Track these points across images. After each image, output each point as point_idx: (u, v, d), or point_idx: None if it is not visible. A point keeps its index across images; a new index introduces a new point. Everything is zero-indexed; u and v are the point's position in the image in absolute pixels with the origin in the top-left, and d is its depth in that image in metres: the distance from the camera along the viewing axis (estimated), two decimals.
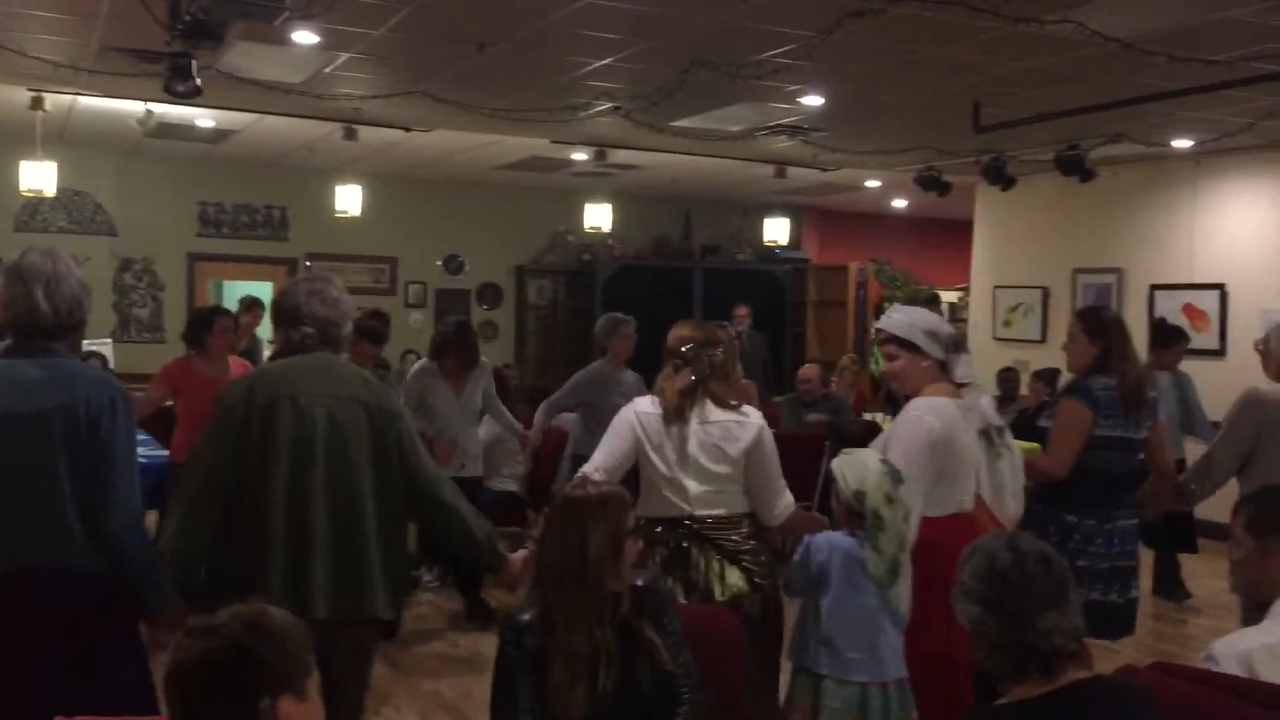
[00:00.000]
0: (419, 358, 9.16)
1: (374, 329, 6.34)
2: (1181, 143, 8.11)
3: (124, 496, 2.79)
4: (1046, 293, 10.00)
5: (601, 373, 6.28)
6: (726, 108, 7.26)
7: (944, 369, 3.59)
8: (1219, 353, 8.55)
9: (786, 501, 3.48)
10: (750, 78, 6.18)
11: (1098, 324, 4.22)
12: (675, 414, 3.36)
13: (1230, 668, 2.51)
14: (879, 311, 12.79)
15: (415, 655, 5.52)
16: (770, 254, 12.41)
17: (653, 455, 3.36)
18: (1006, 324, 10.37)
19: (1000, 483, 3.82)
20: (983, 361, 10.51)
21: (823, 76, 6.42)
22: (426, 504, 3.11)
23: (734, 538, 3.36)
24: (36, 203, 9.78)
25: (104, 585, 2.79)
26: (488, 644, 5.03)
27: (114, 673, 2.79)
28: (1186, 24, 5.15)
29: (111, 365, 8.05)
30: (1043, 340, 9.95)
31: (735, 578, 3.33)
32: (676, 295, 11.74)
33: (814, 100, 7.03)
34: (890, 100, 7.02)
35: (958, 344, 3.63)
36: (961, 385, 3.64)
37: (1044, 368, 8.47)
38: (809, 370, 8.31)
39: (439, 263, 11.68)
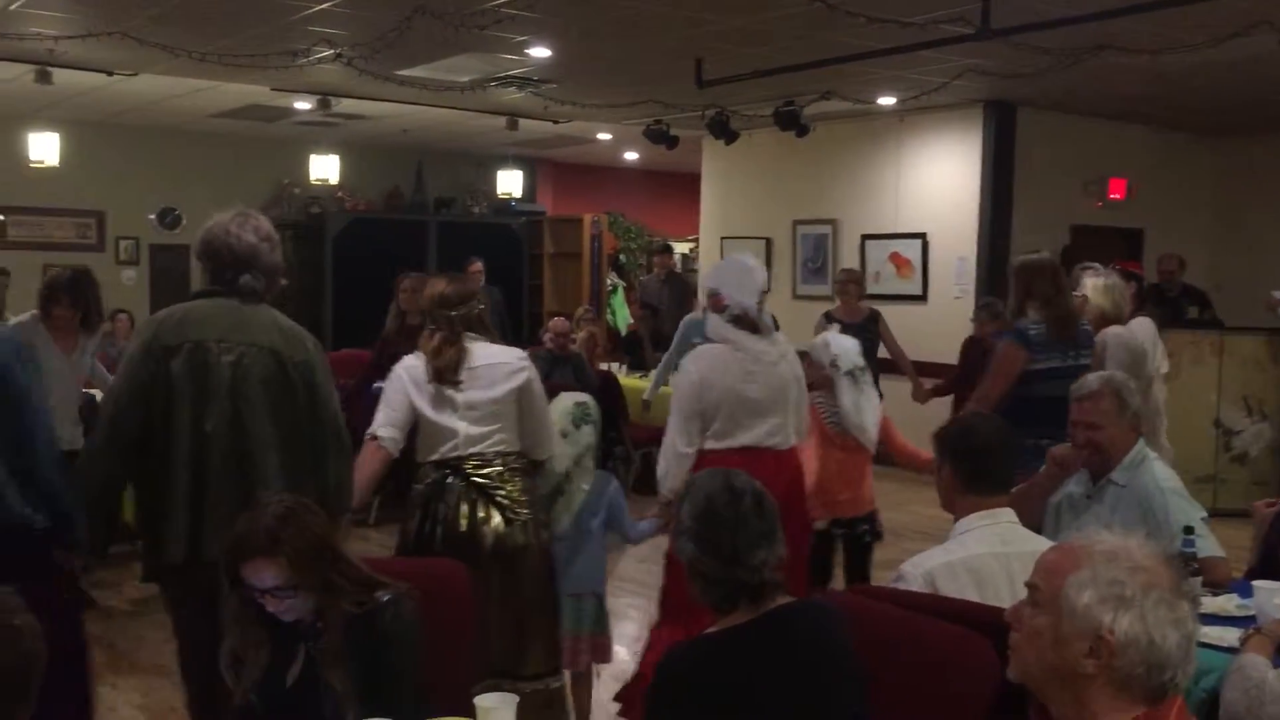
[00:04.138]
0: (131, 319, 8.61)
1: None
2: (885, 100, 8.63)
3: (45, 442, 2.88)
4: (770, 243, 10.44)
5: None
6: (453, 57, 7.16)
7: (740, 319, 4.05)
8: (921, 298, 9.21)
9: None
10: (475, 27, 6.11)
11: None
12: (438, 373, 3.47)
13: (916, 585, 2.75)
14: (614, 262, 13.03)
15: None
16: (505, 207, 12.38)
17: (421, 404, 3.46)
18: None
19: (862, 412, 4.53)
20: None
21: (548, 28, 6.43)
22: (320, 446, 3.09)
23: (489, 474, 3.47)
24: None
25: (38, 539, 2.85)
26: None
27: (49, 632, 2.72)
28: None
29: None
30: (767, 289, 10.38)
31: (493, 515, 3.44)
32: (410, 249, 11.53)
33: (541, 52, 7.03)
34: (616, 54, 7.11)
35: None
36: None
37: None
38: (561, 323, 8.34)
39: (153, 217, 10.98)
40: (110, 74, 7.87)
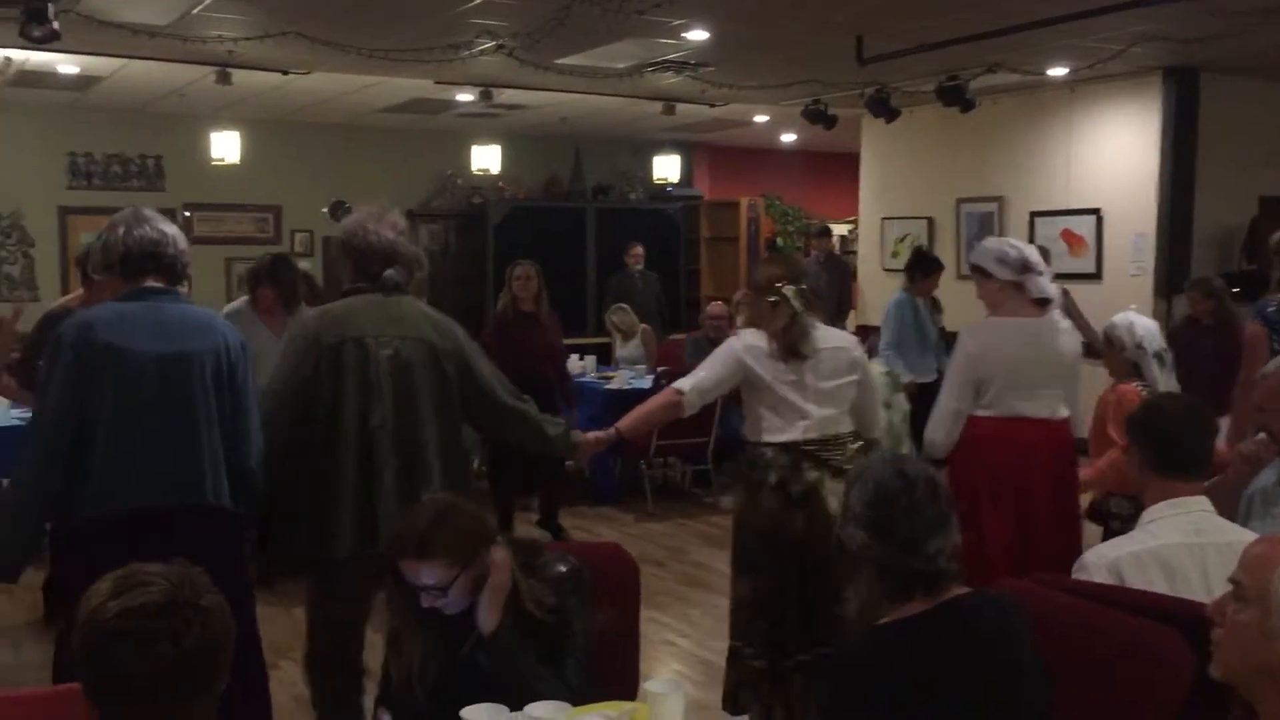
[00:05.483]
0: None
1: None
2: (1056, 71, 8.29)
3: (258, 436, 2.97)
4: (932, 223, 10.19)
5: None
6: (611, 44, 7.19)
7: (1020, 289, 4.02)
8: (1095, 276, 8.83)
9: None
10: (633, 13, 6.12)
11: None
12: (788, 351, 3.55)
13: (1100, 576, 2.63)
14: (771, 245, 12.91)
15: None
16: (662, 192, 12.40)
17: (771, 384, 3.57)
18: (894, 255, 10.54)
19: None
20: (872, 291, 10.73)
21: (706, 11, 6.39)
22: (496, 416, 3.27)
23: (839, 456, 3.58)
24: None
25: (240, 525, 2.95)
26: None
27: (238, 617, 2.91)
28: None
29: None
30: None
31: (830, 500, 3.51)
32: (570, 236, 11.70)
33: (698, 35, 7.00)
34: (774, 34, 7.02)
35: (1027, 265, 4.03)
36: (1041, 302, 4.06)
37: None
38: (718, 307, 8.32)
39: (325, 210, 11.41)
40: (285, 73, 8.19)
